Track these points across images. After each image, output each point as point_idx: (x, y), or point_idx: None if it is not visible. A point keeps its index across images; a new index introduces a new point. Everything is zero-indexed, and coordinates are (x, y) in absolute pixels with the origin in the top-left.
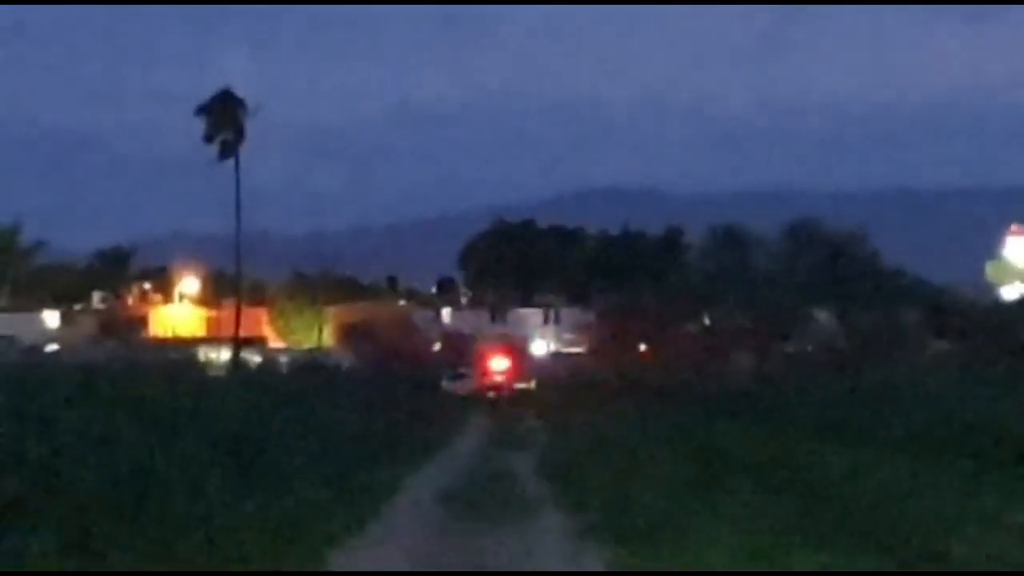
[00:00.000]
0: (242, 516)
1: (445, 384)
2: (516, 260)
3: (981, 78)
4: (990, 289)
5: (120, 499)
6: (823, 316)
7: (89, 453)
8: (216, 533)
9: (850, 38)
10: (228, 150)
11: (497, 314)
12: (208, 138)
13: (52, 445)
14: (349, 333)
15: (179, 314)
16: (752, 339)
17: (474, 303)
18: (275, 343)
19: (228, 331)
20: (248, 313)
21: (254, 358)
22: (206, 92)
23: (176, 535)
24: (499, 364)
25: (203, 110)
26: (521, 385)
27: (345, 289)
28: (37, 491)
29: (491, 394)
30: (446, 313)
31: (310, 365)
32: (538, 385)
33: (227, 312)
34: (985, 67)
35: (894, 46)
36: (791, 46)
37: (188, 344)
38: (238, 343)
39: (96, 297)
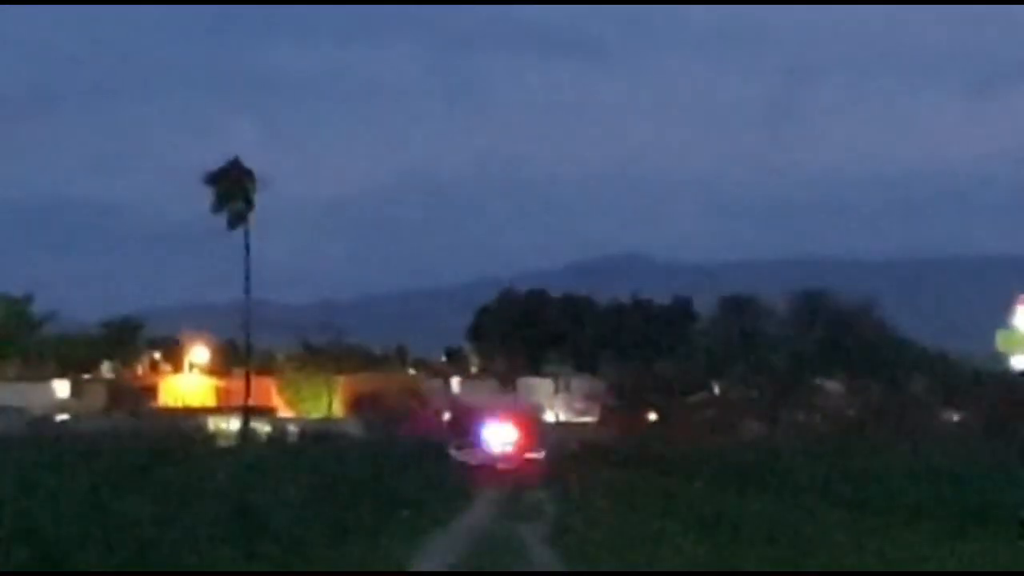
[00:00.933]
0: None
1: (454, 453)
2: (525, 329)
3: (989, 147)
4: (1000, 359)
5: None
6: (831, 386)
7: (95, 525)
8: None
9: (857, 105)
10: (237, 220)
11: (506, 383)
12: (217, 208)
13: (58, 517)
14: (359, 402)
15: (188, 383)
16: (761, 409)
17: (483, 372)
18: (284, 412)
19: (237, 400)
20: (257, 382)
21: (263, 427)
22: (214, 163)
23: None
24: (508, 434)
25: (212, 179)
26: (531, 455)
27: (354, 358)
28: (45, 563)
29: (500, 464)
30: (455, 382)
31: (320, 435)
32: (548, 455)
33: (236, 381)
34: (993, 137)
35: (902, 114)
36: (797, 113)
37: (197, 413)
38: (247, 413)
39: (106, 367)
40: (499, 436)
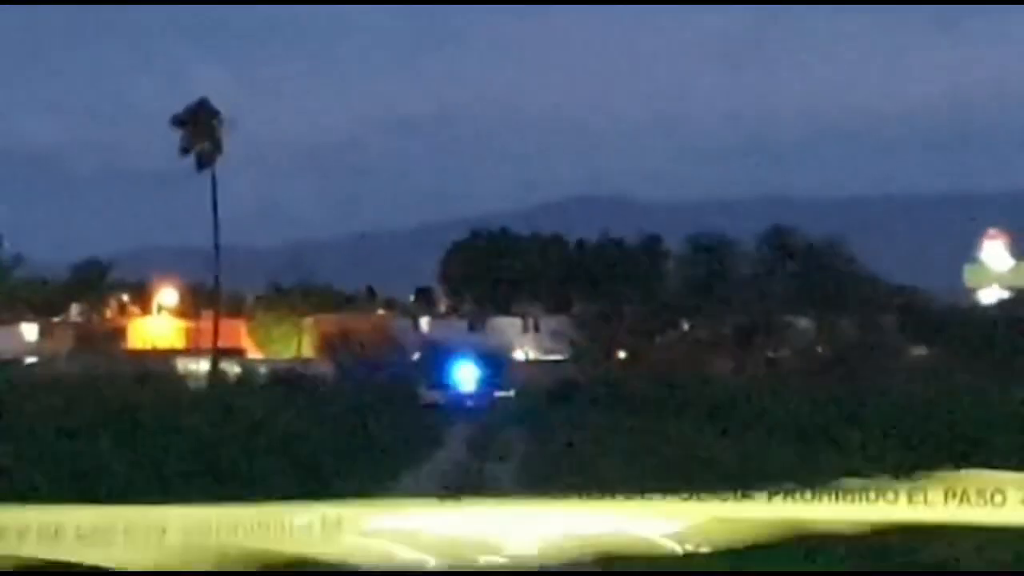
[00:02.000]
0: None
1: (424, 393)
2: (494, 269)
3: (957, 86)
4: (968, 293)
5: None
6: (801, 323)
7: (62, 463)
8: None
9: (825, 45)
10: (205, 162)
11: (476, 323)
12: (184, 150)
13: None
14: (328, 343)
15: (157, 326)
16: (731, 346)
17: (453, 312)
18: (254, 354)
19: (207, 342)
20: (226, 324)
21: (233, 369)
22: (182, 105)
23: None
24: (478, 373)
25: (179, 121)
26: (500, 393)
27: (323, 299)
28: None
29: (470, 403)
30: (424, 322)
31: (289, 375)
32: (517, 393)
33: (205, 324)
34: (961, 75)
35: (870, 53)
36: (766, 53)
37: (166, 355)
38: (216, 354)
39: (74, 310)
40: (469, 375)
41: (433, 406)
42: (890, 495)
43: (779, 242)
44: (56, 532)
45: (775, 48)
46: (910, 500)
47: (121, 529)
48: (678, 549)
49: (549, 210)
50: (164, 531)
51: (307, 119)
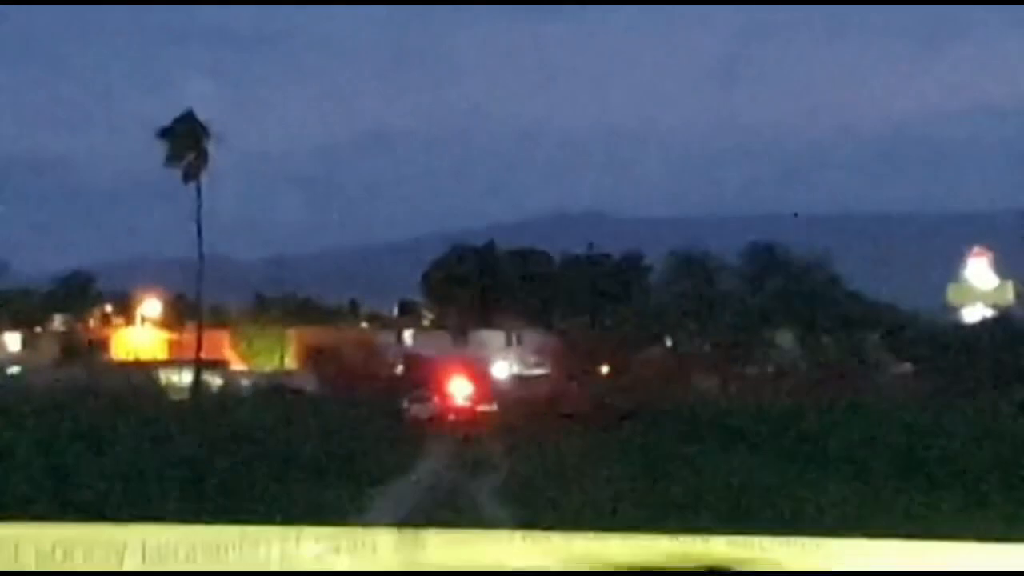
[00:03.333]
0: None
1: (407, 407)
2: (477, 283)
3: (933, 104)
4: (952, 311)
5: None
6: (784, 339)
7: (44, 478)
8: None
9: (812, 63)
10: (190, 174)
11: (459, 337)
12: (169, 162)
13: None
14: (311, 356)
15: (140, 337)
16: (714, 362)
17: (436, 326)
18: (237, 365)
19: (189, 354)
20: (210, 336)
21: (215, 380)
22: (167, 117)
23: None
24: (461, 387)
25: (165, 133)
26: (483, 408)
27: (307, 312)
28: None
29: (452, 416)
30: (408, 336)
31: (272, 388)
32: (500, 407)
33: (189, 335)
34: (938, 94)
35: (856, 71)
36: (752, 69)
37: (150, 366)
38: (199, 366)
39: (57, 320)
40: (451, 389)
41: (416, 419)
42: None
43: (762, 260)
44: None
45: (761, 65)
46: None
47: (81, 549)
48: None
49: (532, 225)
50: (123, 552)
51: (291, 132)
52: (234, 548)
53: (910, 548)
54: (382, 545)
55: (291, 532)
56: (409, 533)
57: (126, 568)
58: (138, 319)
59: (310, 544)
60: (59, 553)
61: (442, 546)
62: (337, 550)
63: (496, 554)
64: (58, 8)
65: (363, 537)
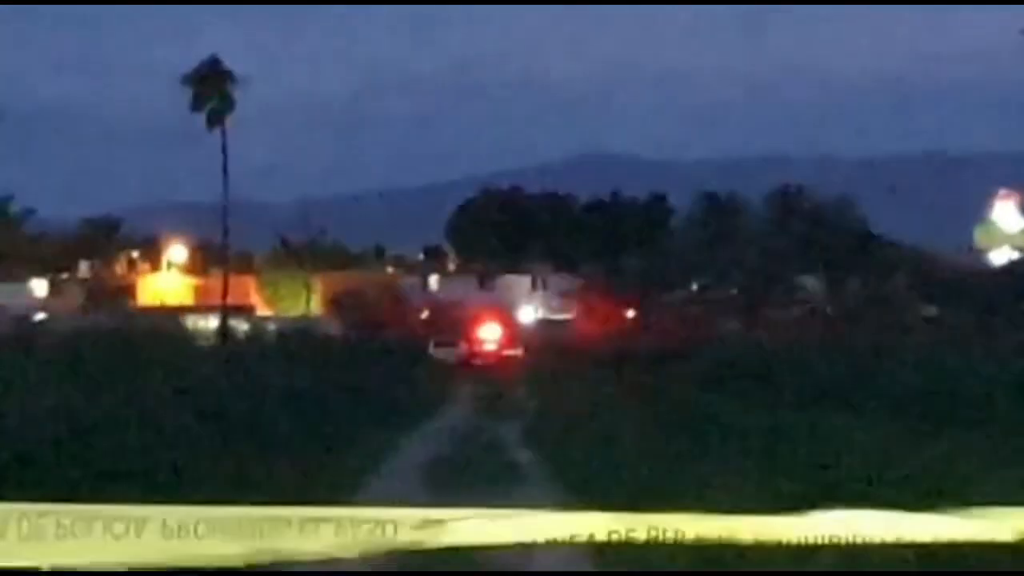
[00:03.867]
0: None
1: (432, 351)
2: (503, 227)
3: (959, 44)
4: (979, 253)
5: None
6: (810, 282)
7: (68, 426)
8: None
9: (831, 7)
10: (215, 120)
11: (485, 281)
12: (195, 107)
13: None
14: (337, 301)
15: (167, 283)
16: (738, 305)
17: (461, 270)
18: (263, 311)
19: (215, 299)
20: (236, 282)
21: (242, 326)
22: (192, 62)
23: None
24: (486, 331)
25: (190, 79)
26: (509, 352)
27: (332, 257)
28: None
29: (478, 361)
30: (433, 280)
31: (298, 332)
32: (526, 351)
33: (215, 281)
34: (964, 33)
35: (880, 12)
36: (774, 11)
37: (176, 312)
38: (225, 312)
39: (84, 266)
40: (477, 334)
41: (442, 364)
42: None
43: (786, 202)
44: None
45: (785, 10)
46: None
47: (100, 523)
48: None
49: (557, 168)
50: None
51: (316, 76)
52: (254, 529)
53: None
54: (402, 525)
55: (310, 512)
56: (429, 514)
57: (145, 542)
58: (164, 265)
59: (326, 526)
60: (79, 526)
61: (460, 527)
62: (351, 530)
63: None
64: None
65: (379, 516)
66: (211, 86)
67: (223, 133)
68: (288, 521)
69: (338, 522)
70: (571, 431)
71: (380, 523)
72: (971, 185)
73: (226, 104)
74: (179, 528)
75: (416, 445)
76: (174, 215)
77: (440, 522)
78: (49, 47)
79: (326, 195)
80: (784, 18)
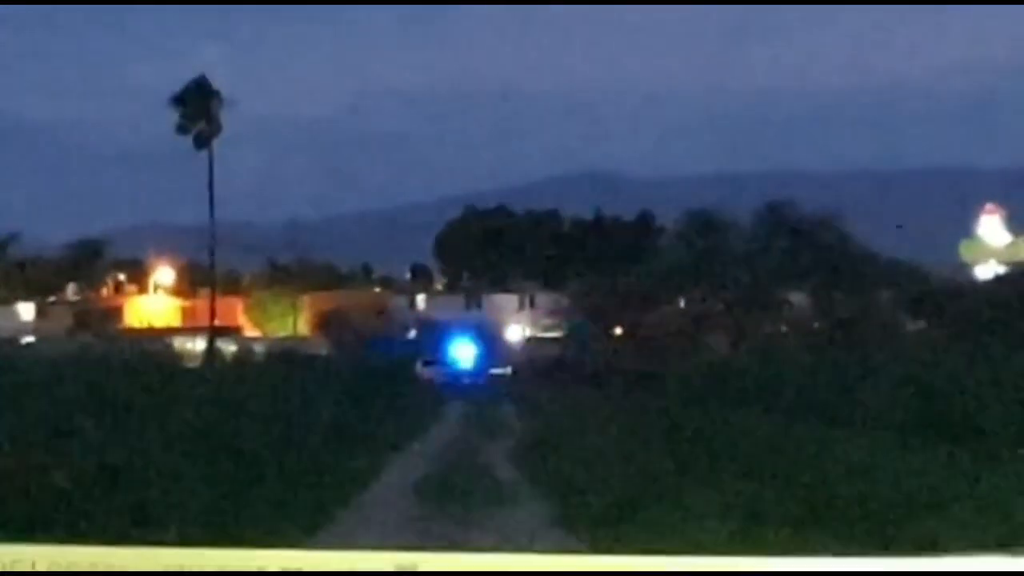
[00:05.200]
0: (213, 506)
1: (420, 370)
2: (490, 246)
3: (945, 59)
4: (965, 269)
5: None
6: (797, 298)
7: (59, 448)
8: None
9: (819, 17)
10: (202, 141)
11: (472, 300)
12: (181, 129)
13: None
14: (324, 321)
15: (154, 304)
16: (726, 321)
17: (449, 290)
18: (250, 332)
19: (203, 321)
20: (223, 302)
21: (229, 347)
22: (178, 83)
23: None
24: (475, 350)
25: (177, 100)
26: (496, 371)
27: (320, 277)
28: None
29: (467, 380)
30: (421, 300)
31: (285, 353)
32: (514, 370)
33: (202, 302)
34: (949, 48)
35: (867, 25)
36: (760, 25)
37: (163, 334)
38: (213, 333)
39: (70, 289)
40: (465, 353)
41: (430, 383)
42: None
43: (773, 218)
44: None
45: (769, 24)
46: None
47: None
48: None
49: (544, 186)
50: None
51: (303, 96)
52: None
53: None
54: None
55: (292, 557)
56: (405, 557)
57: None
58: (151, 287)
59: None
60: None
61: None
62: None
63: None
64: None
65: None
66: (198, 107)
67: (210, 154)
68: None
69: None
70: (558, 450)
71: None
72: (956, 201)
73: (213, 126)
74: None
75: (406, 463)
76: (161, 236)
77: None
78: (34, 68)
79: (313, 215)
80: (767, 33)
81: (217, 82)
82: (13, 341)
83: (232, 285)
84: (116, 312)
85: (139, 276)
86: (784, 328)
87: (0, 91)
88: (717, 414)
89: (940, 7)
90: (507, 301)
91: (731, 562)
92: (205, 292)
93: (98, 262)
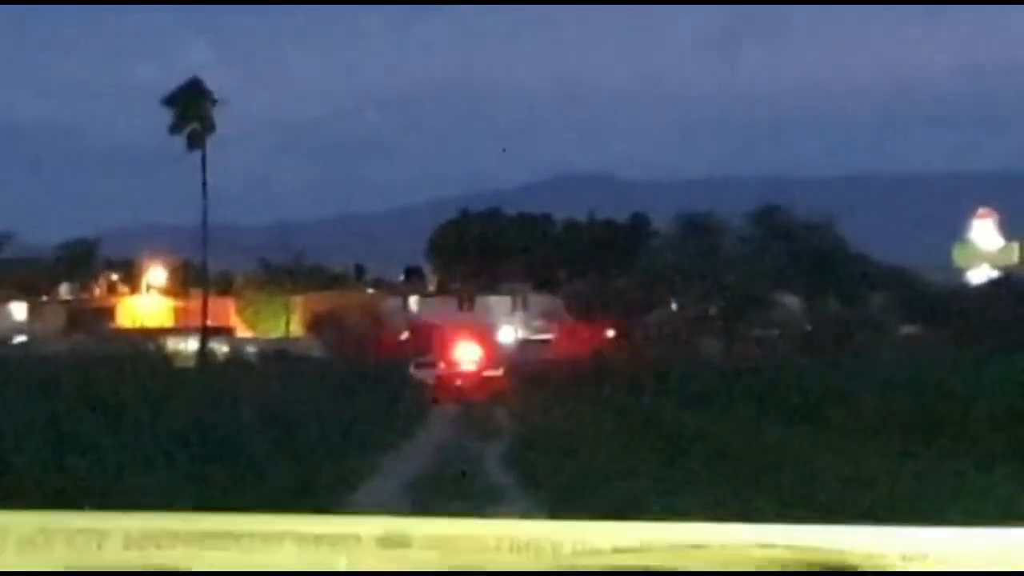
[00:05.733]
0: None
1: (413, 372)
2: (482, 248)
3: (940, 63)
4: (957, 273)
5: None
6: (790, 301)
7: (47, 445)
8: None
9: (815, 22)
10: (195, 141)
11: (465, 302)
12: (174, 129)
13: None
14: (317, 322)
15: (146, 305)
16: (719, 325)
17: (441, 291)
18: (243, 332)
19: (195, 321)
20: (216, 303)
21: (222, 348)
22: (172, 84)
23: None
24: (467, 352)
25: (170, 101)
26: (489, 372)
27: (313, 278)
28: None
29: (459, 382)
30: (413, 301)
31: (278, 354)
32: (506, 372)
33: (194, 302)
34: (947, 53)
35: (862, 30)
36: (756, 29)
37: (155, 334)
38: (205, 333)
39: (63, 289)
40: (458, 354)
41: (422, 385)
42: None
43: (767, 221)
44: None
45: (764, 27)
46: None
47: (62, 536)
48: None
49: (537, 189)
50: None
51: (296, 98)
52: (217, 539)
53: None
54: (366, 539)
55: (276, 521)
56: (395, 525)
57: (106, 555)
58: (144, 287)
59: (291, 540)
60: (40, 539)
61: (430, 541)
62: (318, 543)
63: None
64: None
65: (347, 528)
66: (191, 108)
67: (203, 155)
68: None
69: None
70: (549, 452)
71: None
72: (949, 205)
73: (206, 126)
74: (142, 538)
75: (399, 463)
76: (154, 237)
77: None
78: (22, 65)
79: (306, 216)
80: (763, 36)
81: (209, 83)
82: (6, 341)
83: (225, 286)
84: (109, 312)
85: (132, 276)
86: (776, 332)
87: None
88: (708, 417)
89: (934, 11)
90: (499, 303)
91: (723, 528)
92: (198, 292)
93: (91, 262)
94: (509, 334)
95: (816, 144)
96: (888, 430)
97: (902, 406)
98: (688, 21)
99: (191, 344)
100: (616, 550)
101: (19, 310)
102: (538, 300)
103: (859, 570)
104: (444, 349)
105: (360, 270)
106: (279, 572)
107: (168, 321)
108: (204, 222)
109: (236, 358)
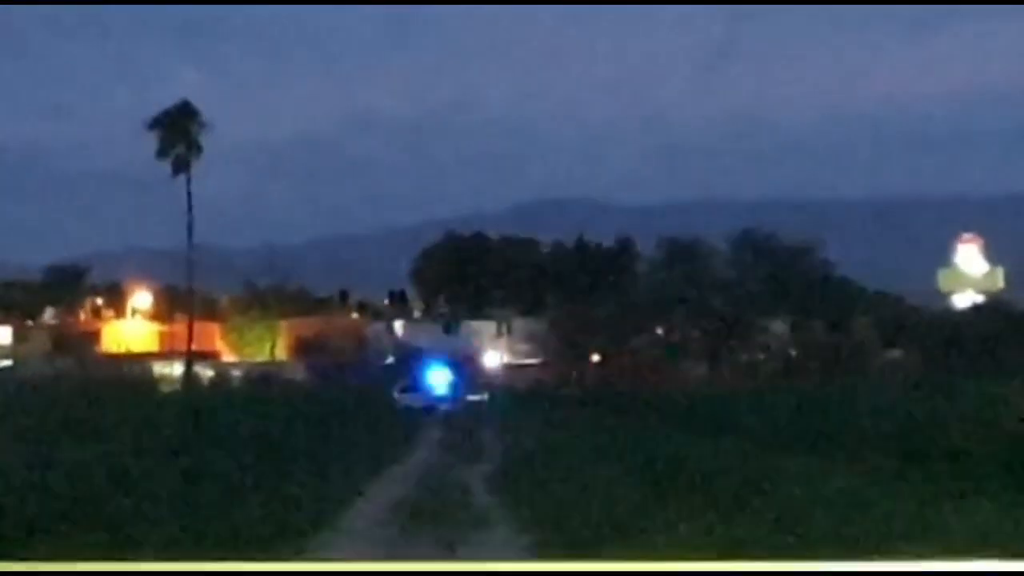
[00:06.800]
0: (186, 533)
1: (398, 396)
2: (468, 272)
3: (926, 88)
4: (942, 297)
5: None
6: (775, 325)
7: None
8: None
9: (801, 47)
10: (181, 165)
11: (450, 326)
12: (161, 153)
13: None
14: (302, 347)
15: (132, 329)
16: (704, 349)
17: (426, 316)
18: (228, 357)
19: (181, 346)
20: (201, 327)
21: (207, 372)
22: (158, 107)
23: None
24: (452, 376)
25: (156, 124)
26: (473, 397)
27: (297, 303)
28: None
29: (444, 406)
30: (398, 326)
31: (262, 379)
32: (491, 397)
33: (180, 327)
34: (930, 77)
35: (847, 55)
36: (740, 55)
37: (141, 359)
38: (190, 358)
39: (49, 313)
40: (441, 379)
41: (406, 410)
42: None
43: (753, 246)
44: None
45: (750, 52)
46: None
47: None
48: None
49: (522, 213)
50: None
51: (283, 120)
52: None
53: None
54: None
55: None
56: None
57: None
58: (129, 311)
59: None
60: None
61: None
62: None
63: None
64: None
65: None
66: (177, 131)
67: (188, 179)
68: None
69: None
70: (531, 476)
71: None
72: (934, 229)
73: (192, 150)
74: None
75: (384, 487)
76: (139, 261)
77: None
78: (10, 91)
79: (292, 240)
80: (748, 62)
81: (195, 104)
82: None
83: (209, 310)
84: (94, 336)
85: (117, 300)
86: (761, 355)
87: None
88: (692, 441)
89: (920, 37)
90: (484, 327)
91: (727, 565)
92: (182, 317)
93: (76, 286)
94: (494, 359)
95: (802, 168)
96: (876, 455)
97: (887, 433)
98: (672, 46)
99: (176, 369)
100: None
101: (4, 334)
102: (523, 325)
103: None
104: (429, 374)
105: (345, 294)
106: None
107: (153, 346)
108: (189, 245)
109: (221, 383)
